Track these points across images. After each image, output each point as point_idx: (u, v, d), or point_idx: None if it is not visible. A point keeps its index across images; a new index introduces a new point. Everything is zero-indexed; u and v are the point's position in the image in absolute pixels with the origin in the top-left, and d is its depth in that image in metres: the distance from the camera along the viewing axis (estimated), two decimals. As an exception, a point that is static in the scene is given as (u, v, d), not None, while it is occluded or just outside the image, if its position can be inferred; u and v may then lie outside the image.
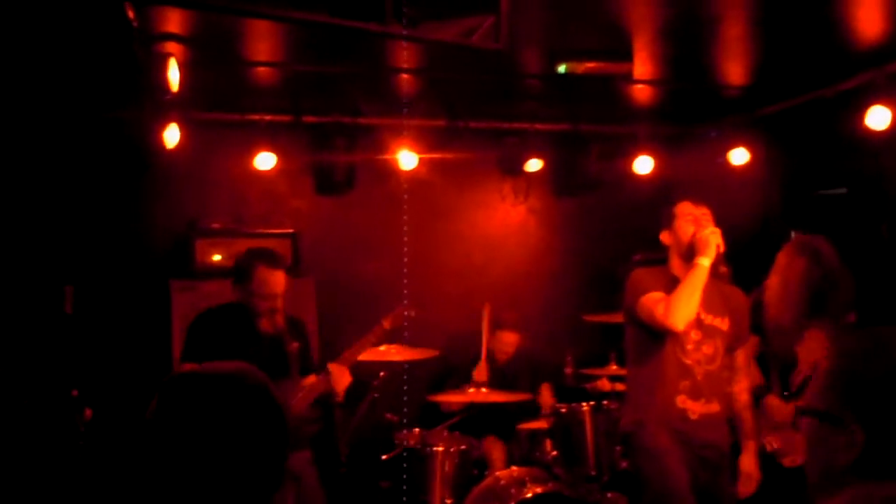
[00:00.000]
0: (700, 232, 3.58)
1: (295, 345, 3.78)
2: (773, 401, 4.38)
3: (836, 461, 1.57)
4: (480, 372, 4.94)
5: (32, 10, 3.50)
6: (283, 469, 1.53)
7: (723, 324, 3.71)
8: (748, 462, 3.77)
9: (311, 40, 4.02)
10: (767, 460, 4.17)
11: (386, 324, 4.11)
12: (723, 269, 3.62)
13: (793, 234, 4.40)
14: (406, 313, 4.21)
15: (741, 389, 3.84)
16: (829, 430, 1.59)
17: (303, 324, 4.16)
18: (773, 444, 4.19)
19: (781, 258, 4.18)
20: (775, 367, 4.39)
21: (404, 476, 4.40)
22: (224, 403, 1.49)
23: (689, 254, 3.62)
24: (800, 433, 4.33)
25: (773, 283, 4.15)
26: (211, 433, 1.44)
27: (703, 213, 3.70)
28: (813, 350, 4.22)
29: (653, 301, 3.57)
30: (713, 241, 3.53)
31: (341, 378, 3.87)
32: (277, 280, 3.85)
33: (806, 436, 1.66)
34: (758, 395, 4.30)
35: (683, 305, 3.48)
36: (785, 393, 4.38)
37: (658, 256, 3.91)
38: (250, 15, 2.53)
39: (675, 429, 3.60)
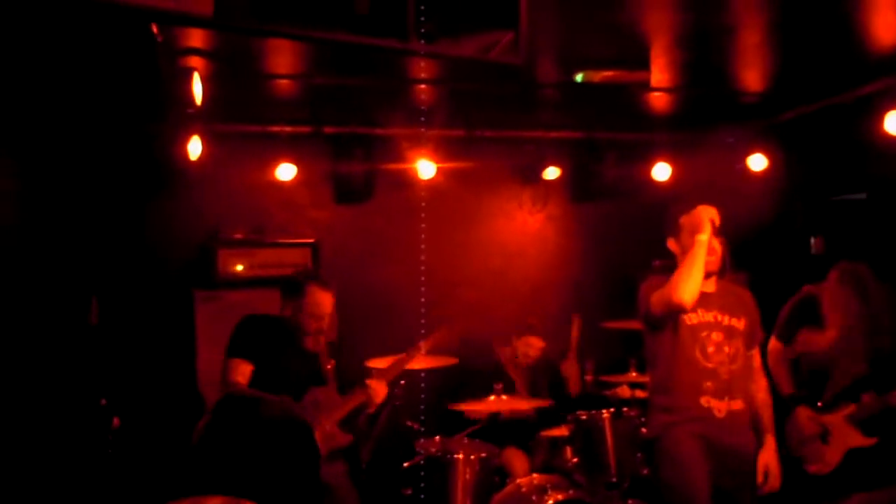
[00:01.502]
0: (694, 216, 3.67)
1: (332, 363, 3.96)
2: (804, 411, 4.39)
3: None
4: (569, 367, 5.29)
5: (60, 25, 3.57)
6: (316, 493, 1.58)
7: (740, 324, 3.76)
8: (768, 457, 3.77)
9: (331, 54, 4.07)
10: (793, 464, 4.18)
11: (424, 347, 4.19)
12: (719, 245, 3.67)
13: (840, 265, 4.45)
14: (446, 338, 4.31)
15: (759, 388, 3.86)
16: None
17: (335, 345, 4.27)
18: None
19: (834, 293, 4.24)
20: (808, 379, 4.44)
21: (425, 484, 4.42)
22: (271, 426, 1.52)
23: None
24: (828, 445, 4.37)
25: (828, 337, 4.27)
26: (259, 450, 1.48)
27: (710, 216, 3.74)
28: (848, 371, 4.27)
29: (660, 291, 3.67)
30: (705, 216, 3.63)
31: (380, 392, 4.01)
32: (327, 301, 3.98)
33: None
34: (790, 404, 4.32)
35: (687, 280, 3.57)
36: (818, 404, 4.39)
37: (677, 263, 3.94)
38: (275, 35, 2.57)
39: (700, 432, 3.62)
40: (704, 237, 3.62)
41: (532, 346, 5.37)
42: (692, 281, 3.58)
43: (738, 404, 3.68)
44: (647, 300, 3.74)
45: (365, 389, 3.98)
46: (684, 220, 3.76)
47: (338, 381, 4.06)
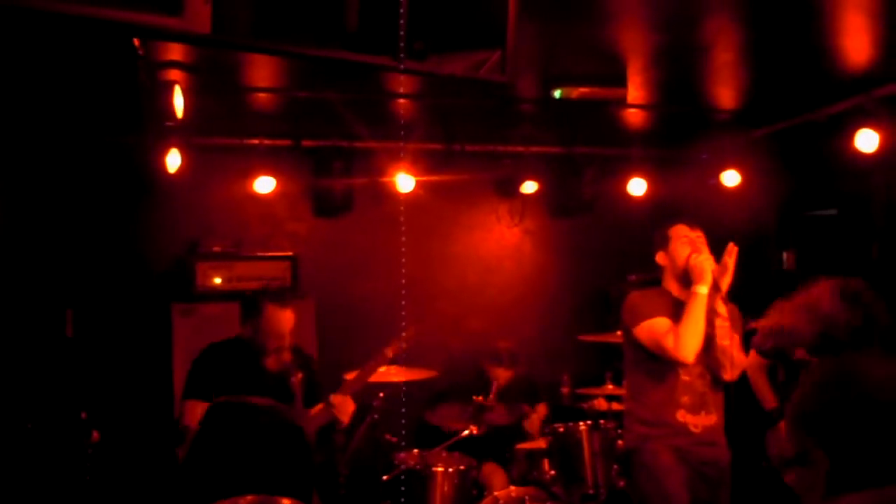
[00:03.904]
0: (694, 258, 3.64)
1: (299, 375, 3.75)
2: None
3: (814, 499, 1.66)
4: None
5: (42, 36, 3.56)
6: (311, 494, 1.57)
7: None
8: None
9: (312, 68, 4.10)
10: (774, 475, 4.23)
11: (389, 352, 4.13)
12: (726, 283, 3.66)
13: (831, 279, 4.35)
14: (406, 342, 4.22)
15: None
16: (801, 472, 1.69)
17: (309, 356, 4.18)
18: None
19: (823, 303, 4.14)
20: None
21: (404, 497, 4.43)
22: (264, 431, 1.52)
23: (684, 276, 3.69)
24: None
25: (795, 305, 4.11)
26: (252, 456, 1.47)
27: (698, 236, 3.79)
28: None
29: (660, 331, 3.62)
30: (707, 267, 3.59)
31: (345, 407, 3.85)
32: (287, 318, 3.89)
33: (796, 490, 1.75)
34: (774, 418, 4.35)
35: (691, 338, 3.55)
36: None
37: (652, 277, 3.98)
38: (260, 51, 2.59)
39: (676, 445, 3.66)
40: (704, 290, 3.58)
41: (500, 376, 5.40)
42: (696, 338, 3.55)
43: (712, 419, 3.71)
44: (633, 324, 3.72)
45: (328, 407, 3.82)
46: (673, 231, 3.78)
47: (309, 393, 3.96)
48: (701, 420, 3.68)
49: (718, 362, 3.64)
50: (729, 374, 3.66)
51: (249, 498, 1.19)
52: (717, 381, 3.73)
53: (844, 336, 3.85)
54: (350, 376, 4.03)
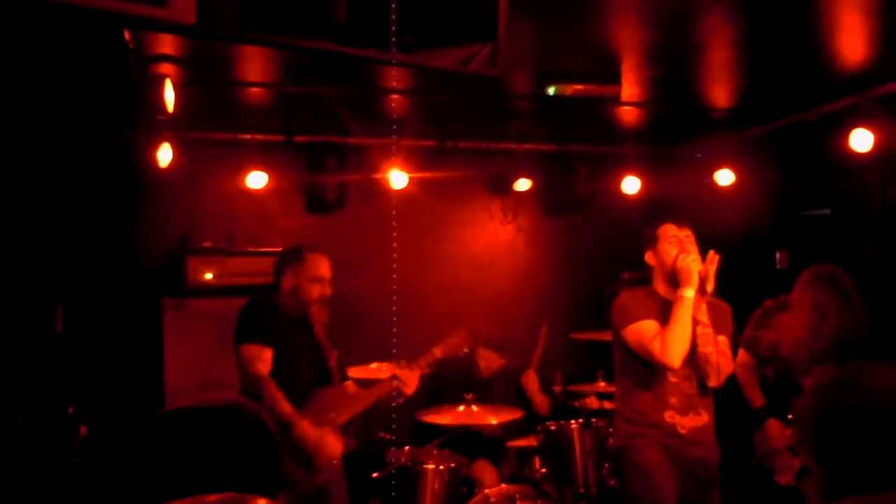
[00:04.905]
0: (682, 260, 3.60)
1: (335, 354, 3.86)
2: (774, 423, 4.41)
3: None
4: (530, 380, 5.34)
5: (32, 30, 3.53)
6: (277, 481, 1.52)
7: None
8: None
9: (306, 63, 4.07)
10: (763, 474, 4.22)
11: (438, 352, 4.13)
12: (709, 288, 3.64)
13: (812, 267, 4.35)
14: (463, 346, 4.24)
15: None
16: (807, 481, 1.69)
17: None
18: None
19: (806, 291, 4.10)
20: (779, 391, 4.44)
21: (395, 494, 4.42)
22: (213, 438, 1.46)
23: (672, 276, 3.66)
24: (798, 457, 4.37)
25: (799, 319, 4.09)
26: (201, 469, 1.41)
27: (687, 235, 3.75)
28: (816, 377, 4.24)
29: (647, 336, 3.59)
30: (694, 268, 3.56)
31: (410, 380, 3.95)
32: (326, 265, 3.92)
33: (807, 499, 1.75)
34: (761, 417, 4.34)
35: (677, 343, 3.52)
36: (789, 417, 4.42)
37: (646, 276, 3.96)
38: (255, 43, 2.57)
39: (665, 444, 3.64)
40: (690, 293, 3.54)
41: (488, 359, 5.39)
42: (682, 343, 3.52)
43: (700, 420, 3.69)
44: (621, 326, 3.70)
45: (390, 381, 3.91)
46: (661, 231, 3.75)
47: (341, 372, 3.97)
48: (689, 421, 3.66)
49: (701, 369, 3.62)
50: (713, 381, 3.62)
51: (213, 497, 1.14)
52: (704, 385, 3.70)
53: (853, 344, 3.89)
54: (356, 373, 4.03)
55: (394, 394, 3.93)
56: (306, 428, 3.61)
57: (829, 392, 1.68)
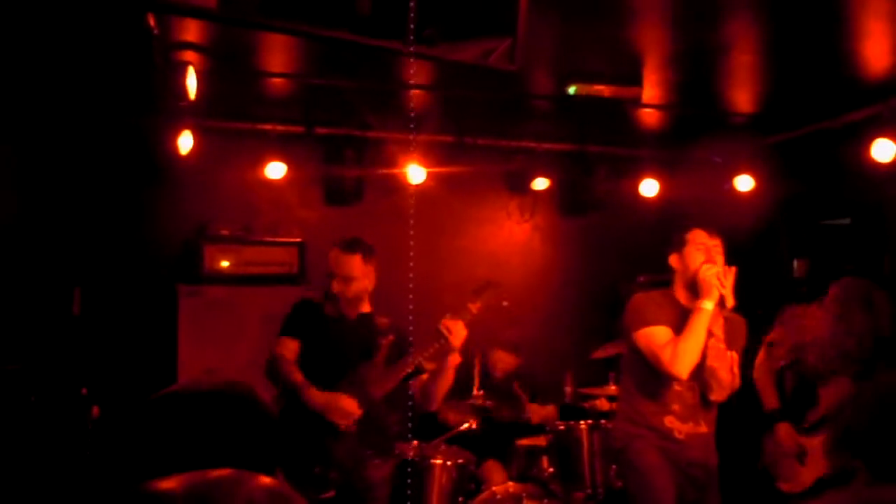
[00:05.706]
0: (706, 270, 3.52)
1: (390, 337, 3.86)
2: (785, 428, 4.37)
3: None
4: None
5: (56, 15, 3.56)
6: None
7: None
8: None
9: (329, 54, 4.09)
10: (766, 479, 4.20)
11: (473, 308, 3.94)
12: (729, 304, 3.58)
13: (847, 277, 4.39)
14: (496, 298, 4.12)
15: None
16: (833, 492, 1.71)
17: (404, 327, 4.04)
18: None
19: (836, 303, 4.17)
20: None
21: (401, 487, 4.42)
22: (209, 417, 1.46)
23: (693, 283, 3.58)
24: (804, 466, 4.34)
25: (823, 327, 4.15)
26: (198, 448, 1.41)
27: (715, 245, 3.65)
28: (835, 395, 4.23)
29: (658, 342, 3.54)
30: (715, 283, 3.48)
31: (457, 331, 3.73)
32: (347, 262, 3.95)
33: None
34: (774, 419, 4.31)
35: (688, 354, 3.47)
36: (803, 426, 4.39)
37: (662, 279, 3.91)
38: (275, 30, 2.58)
39: (662, 447, 3.62)
40: (709, 306, 3.47)
41: (502, 360, 5.38)
42: (693, 355, 3.47)
43: (701, 429, 3.65)
44: (634, 328, 3.64)
45: (440, 331, 3.72)
46: (690, 235, 3.66)
47: (396, 355, 3.87)
48: (688, 429, 3.63)
49: (706, 382, 3.59)
50: (715, 395, 3.59)
51: (213, 473, 1.14)
52: (706, 397, 3.65)
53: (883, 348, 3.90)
54: (473, 306, 3.91)
55: (441, 343, 3.73)
56: (314, 393, 3.68)
57: (880, 404, 1.67)
